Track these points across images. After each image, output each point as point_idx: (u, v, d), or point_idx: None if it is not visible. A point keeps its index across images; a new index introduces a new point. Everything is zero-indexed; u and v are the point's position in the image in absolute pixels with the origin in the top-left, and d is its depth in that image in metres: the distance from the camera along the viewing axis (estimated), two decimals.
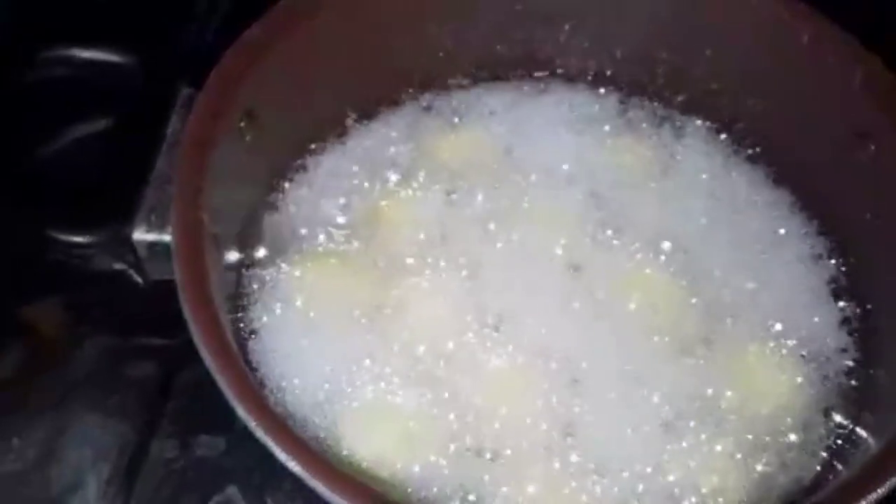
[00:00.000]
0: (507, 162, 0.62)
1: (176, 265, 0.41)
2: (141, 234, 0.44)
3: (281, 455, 0.36)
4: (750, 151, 0.62)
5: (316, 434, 0.49)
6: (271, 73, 0.53)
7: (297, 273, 0.54)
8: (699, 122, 0.63)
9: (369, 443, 0.49)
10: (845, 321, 0.55)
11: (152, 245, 0.44)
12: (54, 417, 0.59)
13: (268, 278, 0.55)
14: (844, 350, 0.54)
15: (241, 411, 0.37)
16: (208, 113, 0.49)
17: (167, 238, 0.44)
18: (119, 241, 0.43)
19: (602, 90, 0.65)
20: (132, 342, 0.59)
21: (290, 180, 0.58)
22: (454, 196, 0.59)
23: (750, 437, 0.50)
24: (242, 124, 0.51)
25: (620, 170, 0.61)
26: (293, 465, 0.36)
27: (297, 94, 0.56)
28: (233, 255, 0.51)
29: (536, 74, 0.66)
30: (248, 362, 0.51)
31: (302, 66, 0.56)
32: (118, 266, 0.48)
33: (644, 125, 0.63)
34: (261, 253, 0.55)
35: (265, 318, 0.53)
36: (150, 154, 0.47)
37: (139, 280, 0.50)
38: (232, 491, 0.56)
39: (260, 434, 0.37)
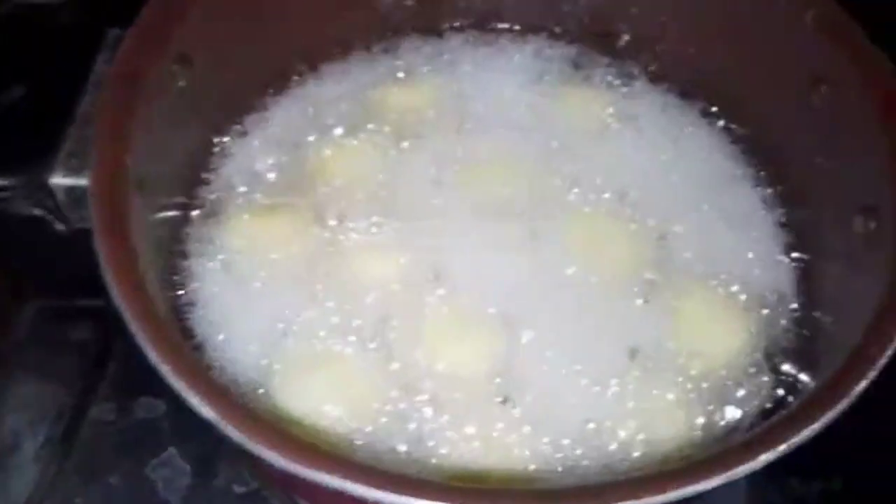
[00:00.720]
0: (457, 114, 0.59)
1: (92, 208, 0.39)
2: (59, 178, 0.41)
3: (193, 400, 0.34)
4: (703, 103, 0.59)
5: (255, 389, 0.47)
6: (208, 14, 0.50)
7: (235, 227, 0.52)
8: (652, 76, 0.61)
9: (307, 394, 0.46)
10: (793, 269, 0.53)
11: (71, 190, 0.42)
12: None
13: (205, 232, 0.52)
14: (790, 297, 0.52)
15: (152, 357, 0.35)
16: (136, 50, 0.46)
17: (87, 182, 0.41)
18: (38, 186, 0.40)
19: (558, 44, 0.63)
20: (70, 304, 0.56)
21: (230, 132, 0.56)
22: (404, 145, 0.57)
23: (690, 385, 0.48)
24: (175, 68, 0.49)
25: (574, 122, 0.59)
26: (206, 411, 0.34)
27: (236, 39, 0.53)
28: (165, 205, 0.48)
29: (493, 27, 0.64)
30: (183, 320, 0.48)
31: (243, 8, 0.53)
32: (38, 212, 0.45)
33: (597, 79, 0.61)
34: (197, 205, 0.52)
35: (202, 275, 0.51)
36: (75, 96, 0.44)
37: (62, 227, 0.47)
38: (171, 453, 0.54)
39: (171, 380, 0.34)
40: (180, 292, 0.49)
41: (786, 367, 0.50)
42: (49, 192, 0.41)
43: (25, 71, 0.49)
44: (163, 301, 0.40)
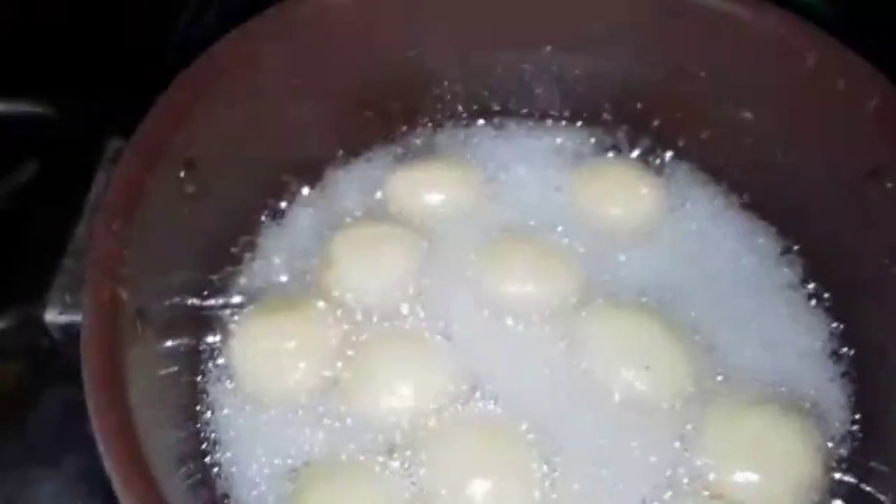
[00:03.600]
0: (487, 210, 0.54)
1: (83, 358, 0.34)
2: (53, 316, 0.37)
3: None
4: (744, 196, 0.53)
5: None
6: (216, 116, 0.45)
7: (250, 347, 0.47)
8: (689, 166, 0.55)
9: None
10: (844, 376, 0.48)
11: (67, 328, 0.37)
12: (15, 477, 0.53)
13: (219, 353, 0.47)
14: (844, 406, 0.47)
15: None
16: (140, 163, 0.42)
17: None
18: (33, 323, 0.36)
19: (590, 132, 0.57)
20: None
21: (242, 240, 0.51)
22: (424, 245, 0.52)
23: None
24: (183, 174, 0.44)
25: (608, 220, 0.53)
26: None
27: (248, 139, 0.48)
28: (171, 332, 0.43)
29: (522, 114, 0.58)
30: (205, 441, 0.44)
31: (254, 106, 0.48)
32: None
33: (634, 170, 0.55)
34: (211, 323, 0.47)
35: (218, 398, 0.46)
36: (72, 220, 0.40)
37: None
38: None
39: None
40: (200, 423, 0.45)
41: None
42: (44, 329, 0.37)
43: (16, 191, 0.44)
44: (166, 456, 0.36)
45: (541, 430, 0.45)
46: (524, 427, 0.45)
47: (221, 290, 0.48)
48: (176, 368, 0.41)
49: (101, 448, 0.32)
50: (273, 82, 0.48)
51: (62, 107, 0.45)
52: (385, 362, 0.47)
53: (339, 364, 0.47)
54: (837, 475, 0.45)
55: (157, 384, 0.38)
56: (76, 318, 0.37)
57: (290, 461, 0.44)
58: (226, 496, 0.42)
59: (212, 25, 0.43)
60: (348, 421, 0.46)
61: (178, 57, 0.44)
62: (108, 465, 0.32)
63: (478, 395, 0.46)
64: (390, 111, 0.54)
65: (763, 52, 0.48)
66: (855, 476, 0.45)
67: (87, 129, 0.42)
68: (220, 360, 0.46)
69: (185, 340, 0.43)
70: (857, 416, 0.46)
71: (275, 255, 0.52)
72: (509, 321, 0.49)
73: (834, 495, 0.44)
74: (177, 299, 0.44)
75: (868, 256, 0.46)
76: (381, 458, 0.44)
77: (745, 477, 0.44)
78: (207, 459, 0.43)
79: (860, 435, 0.46)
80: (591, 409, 0.46)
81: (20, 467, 0.52)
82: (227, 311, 0.48)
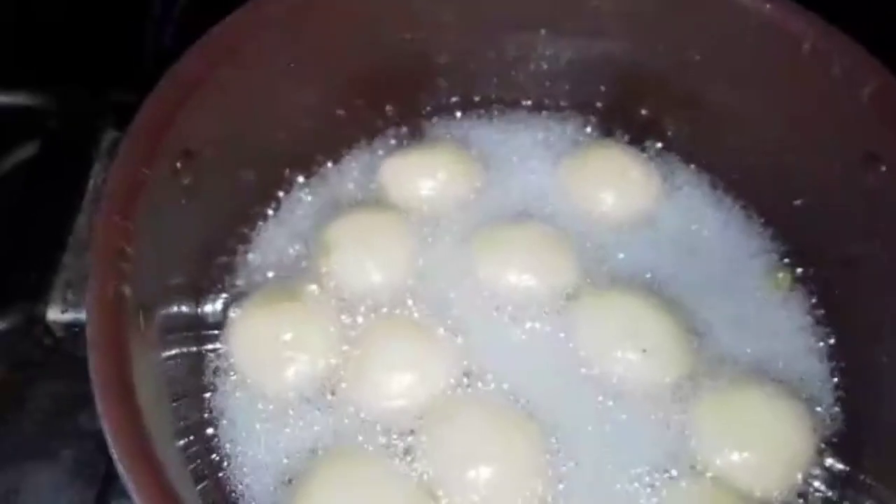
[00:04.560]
0: (482, 197, 0.54)
1: (90, 356, 0.33)
2: (56, 315, 0.36)
3: None
4: (737, 182, 0.53)
5: None
6: (210, 106, 0.44)
7: (253, 336, 0.46)
8: (683, 152, 0.55)
9: None
10: (831, 358, 0.48)
11: (71, 326, 0.36)
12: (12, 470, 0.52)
13: (223, 343, 0.46)
14: (832, 387, 0.48)
15: None
16: (137, 155, 0.40)
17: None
18: (33, 321, 0.35)
19: (584, 119, 0.57)
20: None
21: (241, 231, 0.50)
22: (425, 231, 0.51)
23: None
24: (179, 164, 0.43)
25: (602, 207, 0.53)
26: None
27: (243, 129, 0.47)
28: (176, 325, 0.42)
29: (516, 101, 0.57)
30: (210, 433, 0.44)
31: (249, 95, 0.46)
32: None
33: (627, 156, 0.55)
34: (214, 317, 0.46)
35: (221, 391, 0.45)
36: (70, 214, 0.39)
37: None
38: None
39: None
40: (205, 415, 0.44)
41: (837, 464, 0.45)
42: (46, 327, 0.36)
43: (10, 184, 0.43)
44: (174, 453, 0.35)
45: (541, 416, 0.45)
46: (525, 413, 0.45)
47: (220, 281, 0.47)
48: (179, 362, 0.41)
49: (111, 447, 0.31)
50: (268, 71, 0.47)
51: (57, 98, 0.43)
52: (385, 351, 0.46)
53: (340, 353, 0.47)
54: (826, 454, 0.45)
55: (163, 380, 0.38)
56: (79, 315, 0.36)
57: (294, 452, 0.44)
58: (232, 491, 0.42)
59: (206, 15, 0.42)
60: (350, 410, 0.45)
61: (171, 49, 0.43)
62: (120, 465, 0.31)
63: (479, 382, 0.46)
64: (386, 99, 0.53)
65: (759, 38, 0.48)
66: (842, 455, 0.45)
67: (82, 120, 0.40)
68: (222, 353, 0.46)
69: (186, 334, 0.43)
70: (842, 395, 0.47)
71: (272, 246, 0.51)
72: (508, 308, 0.49)
73: (823, 473, 0.45)
74: (177, 293, 0.43)
75: (860, 241, 0.46)
76: (384, 446, 0.44)
77: (739, 457, 0.44)
78: (213, 455, 0.42)
79: (845, 415, 0.47)
80: (590, 394, 0.47)
81: (17, 461, 0.52)
82: (227, 303, 0.47)
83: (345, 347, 0.46)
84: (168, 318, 0.41)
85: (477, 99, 0.57)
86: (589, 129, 0.57)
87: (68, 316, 0.36)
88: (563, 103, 0.57)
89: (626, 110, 0.56)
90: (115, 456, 0.31)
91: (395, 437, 0.44)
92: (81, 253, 0.37)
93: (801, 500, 0.44)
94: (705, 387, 0.47)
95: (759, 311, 0.50)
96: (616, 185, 0.54)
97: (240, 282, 0.49)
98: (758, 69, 0.49)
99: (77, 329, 0.35)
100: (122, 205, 0.38)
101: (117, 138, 0.40)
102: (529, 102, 0.57)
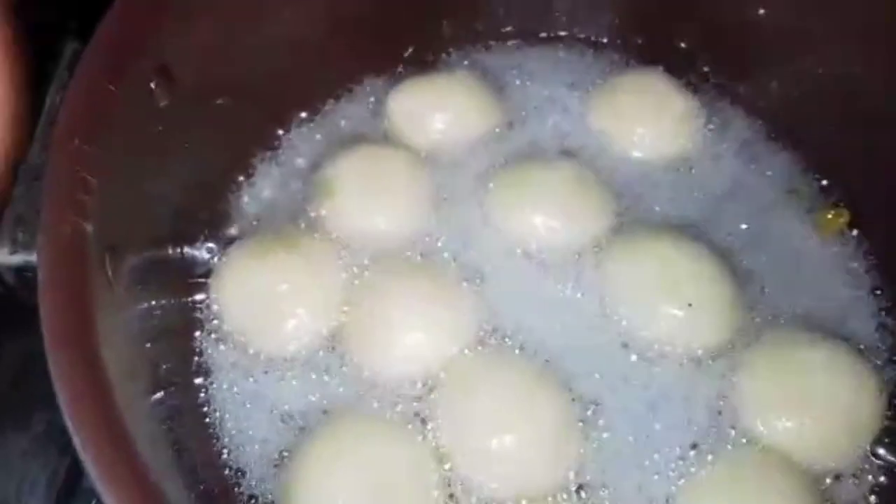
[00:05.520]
0: (504, 135, 0.47)
1: (41, 306, 0.27)
2: (4, 257, 0.30)
3: None
4: (787, 126, 0.47)
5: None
6: (193, 15, 0.37)
7: (242, 283, 0.40)
8: (728, 88, 0.49)
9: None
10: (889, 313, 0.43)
11: (21, 269, 0.30)
12: None
13: (206, 300, 0.40)
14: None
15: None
16: (104, 63, 0.33)
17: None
18: None
19: (616, 51, 0.51)
20: None
21: (229, 167, 0.44)
22: (440, 171, 0.45)
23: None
24: (153, 85, 0.36)
25: (639, 147, 0.47)
26: None
27: (233, 49, 0.40)
28: (151, 270, 0.35)
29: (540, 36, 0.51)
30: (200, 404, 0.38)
31: (241, 8, 0.39)
32: None
33: (666, 89, 0.48)
34: (202, 257, 0.40)
35: (209, 351, 0.40)
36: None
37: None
38: None
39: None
40: (191, 377, 0.38)
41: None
42: None
43: None
44: (149, 423, 0.29)
45: (570, 378, 0.40)
46: (552, 375, 0.40)
47: (208, 226, 0.41)
48: (158, 315, 0.34)
49: (66, 418, 0.25)
50: None
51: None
52: (394, 306, 0.40)
53: (342, 308, 0.41)
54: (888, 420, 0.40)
55: (138, 335, 0.32)
56: (31, 257, 0.30)
57: (293, 418, 0.38)
58: (224, 463, 0.36)
59: None
60: (355, 372, 0.40)
61: None
62: (76, 438, 0.25)
63: (500, 342, 0.41)
64: (400, 26, 0.46)
65: None
66: None
67: (37, 29, 0.34)
68: (209, 305, 0.39)
69: (167, 282, 0.36)
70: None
71: (266, 188, 0.44)
72: (532, 259, 0.43)
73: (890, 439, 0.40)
74: (156, 235, 0.36)
75: None
76: (393, 412, 0.38)
77: (793, 423, 0.39)
78: (201, 421, 0.36)
79: None
80: (625, 354, 0.41)
81: None
82: (215, 250, 0.41)
83: (348, 301, 0.40)
84: (144, 264, 0.34)
85: (502, 30, 0.50)
86: (623, 64, 0.50)
87: (19, 258, 0.30)
88: (595, 37, 0.50)
89: (665, 43, 0.49)
90: (70, 427, 0.25)
91: (406, 402, 0.39)
92: (35, 185, 0.31)
93: (866, 468, 0.39)
94: (755, 345, 0.41)
95: (808, 261, 0.45)
96: (653, 121, 0.47)
97: (231, 227, 0.42)
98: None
99: (31, 273, 0.29)
100: (83, 127, 0.31)
101: (79, 50, 0.33)
102: (560, 34, 0.51)
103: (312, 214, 0.43)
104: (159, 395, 0.34)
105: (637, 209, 0.45)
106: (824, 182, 0.47)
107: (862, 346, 0.42)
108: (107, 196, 0.31)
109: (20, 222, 0.30)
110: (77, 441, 0.25)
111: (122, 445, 0.25)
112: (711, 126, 0.48)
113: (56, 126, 0.30)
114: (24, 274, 0.30)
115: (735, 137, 0.48)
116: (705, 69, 0.49)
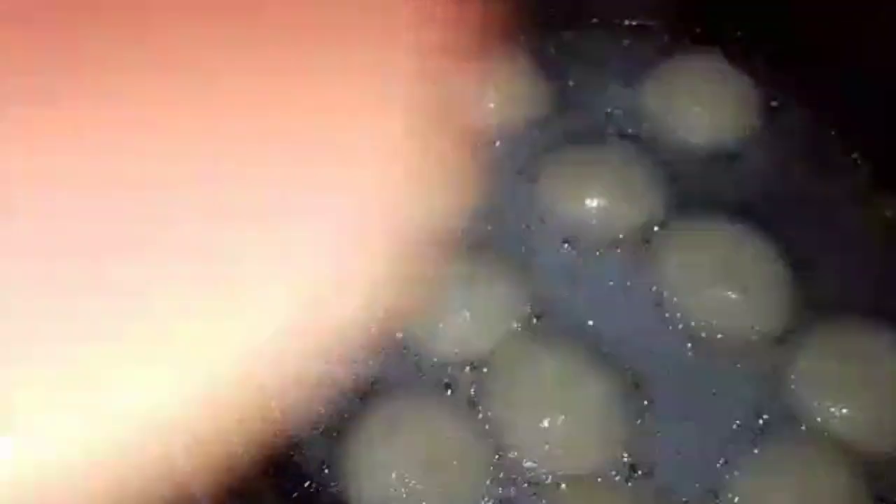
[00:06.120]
0: (552, 117, 0.47)
1: None
2: None
3: None
4: (844, 117, 0.45)
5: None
6: None
7: None
8: (785, 74, 0.47)
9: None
10: None
11: None
12: None
13: None
14: None
15: None
16: None
17: None
18: None
19: (671, 36, 0.49)
20: None
21: None
22: (485, 152, 0.45)
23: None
24: None
25: (692, 131, 0.46)
26: None
27: None
28: None
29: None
30: None
31: None
32: None
33: (721, 74, 0.47)
34: None
35: None
36: None
37: None
38: None
39: None
40: None
41: None
42: None
43: None
44: None
45: (623, 358, 0.39)
46: (603, 359, 0.39)
47: None
48: None
49: None
50: None
51: None
52: (441, 287, 0.40)
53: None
54: None
55: None
56: None
57: (346, 395, 0.38)
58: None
59: None
60: (407, 350, 0.39)
61: None
62: None
63: (556, 322, 0.40)
64: None
65: None
66: None
67: None
68: None
69: None
70: None
71: None
72: (584, 241, 0.43)
73: None
74: None
75: None
76: (442, 392, 0.38)
77: (850, 410, 0.38)
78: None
79: None
80: (677, 340, 0.40)
81: None
82: None
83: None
84: None
85: (554, 14, 0.49)
86: (680, 49, 0.49)
87: None
88: (650, 21, 0.49)
89: (721, 28, 0.48)
90: None
91: (455, 382, 0.39)
92: None
93: None
94: (811, 331, 0.40)
95: (866, 248, 0.43)
96: (709, 106, 0.46)
97: None
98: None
99: None
100: None
101: None
102: (613, 20, 0.50)
103: None
104: None
105: (691, 194, 0.44)
106: (886, 171, 0.45)
107: None
108: None
109: None
110: None
111: None
112: (768, 113, 0.47)
113: None
114: None
115: (792, 126, 0.47)
116: (764, 57, 0.48)
